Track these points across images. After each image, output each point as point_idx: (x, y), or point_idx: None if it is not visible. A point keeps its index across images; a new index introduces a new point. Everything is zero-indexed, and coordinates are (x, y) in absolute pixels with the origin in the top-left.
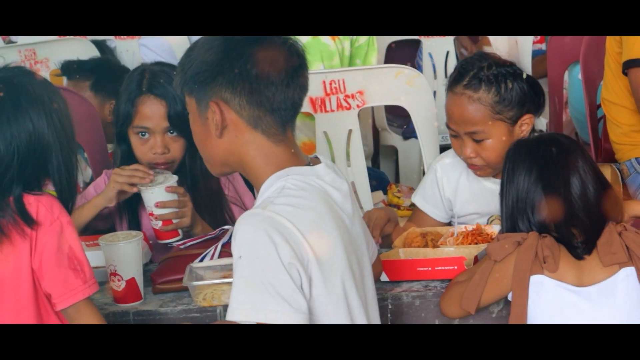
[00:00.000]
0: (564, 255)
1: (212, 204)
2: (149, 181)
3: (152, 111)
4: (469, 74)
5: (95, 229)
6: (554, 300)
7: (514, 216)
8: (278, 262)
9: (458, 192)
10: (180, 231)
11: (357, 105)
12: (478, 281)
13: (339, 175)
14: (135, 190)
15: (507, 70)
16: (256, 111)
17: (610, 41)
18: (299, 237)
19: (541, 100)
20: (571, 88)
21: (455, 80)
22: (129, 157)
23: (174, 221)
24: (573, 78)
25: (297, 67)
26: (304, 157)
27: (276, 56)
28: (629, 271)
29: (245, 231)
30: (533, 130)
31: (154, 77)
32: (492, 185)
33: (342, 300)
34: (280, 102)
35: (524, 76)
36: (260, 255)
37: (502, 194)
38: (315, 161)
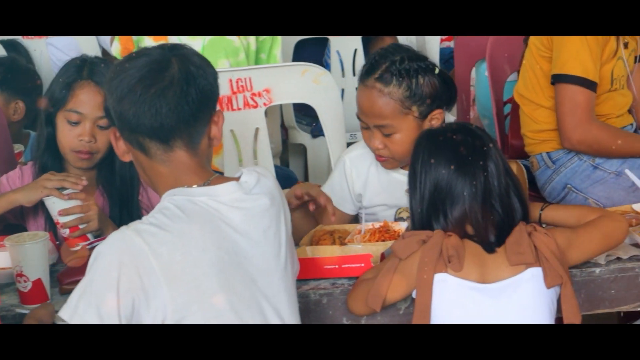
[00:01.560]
0: (469, 253)
1: (129, 204)
2: (81, 188)
3: (88, 97)
4: (381, 66)
5: (5, 222)
6: (457, 297)
7: (430, 209)
8: (114, 283)
9: (367, 183)
10: (90, 235)
11: (264, 104)
12: (383, 279)
13: (252, 193)
14: (64, 197)
15: (419, 65)
16: (133, 135)
17: (535, 41)
18: (150, 261)
19: (452, 95)
20: (478, 85)
21: (367, 72)
22: (52, 142)
23: (81, 226)
24: (480, 75)
25: (163, 85)
26: (203, 176)
27: (134, 82)
28: (535, 272)
29: (104, 243)
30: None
31: (95, 65)
32: (401, 177)
33: (220, 318)
34: (149, 123)
35: (436, 71)
36: (101, 270)
37: (416, 185)
38: (221, 179)
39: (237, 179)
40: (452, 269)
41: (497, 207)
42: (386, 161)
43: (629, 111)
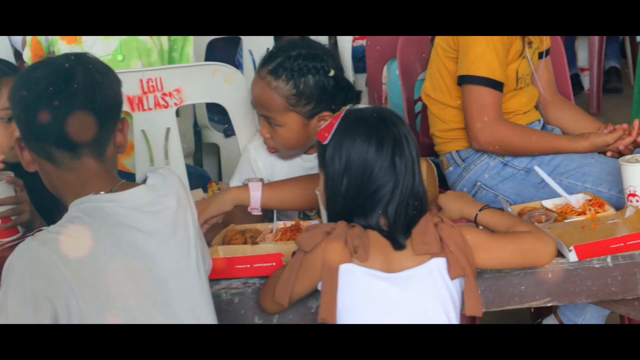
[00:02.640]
0: (373, 243)
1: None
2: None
3: None
4: (276, 60)
5: None
6: (364, 287)
7: (348, 202)
8: (28, 297)
9: (274, 171)
10: (19, 228)
11: (175, 104)
12: (289, 273)
13: (160, 196)
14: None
15: (313, 65)
16: (40, 145)
17: (440, 41)
18: (58, 268)
19: (348, 98)
20: (390, 84)
21: (263, 63)
22: None
23: (13, 218)
24: (391, 74)
25: (69, 93)
26: (110, 182)
27: (39, 91)
28: (440, 262)
29: (12, 256)
30: None
31: None
32: (305, 163)
33: (140, 318)
34: (56, 132)
35: (331, 74)
36: (13, 286)
37: (340, 172)
38: (128, 185)
39: (143, 183)
40: (359, 259)
41: (412, 200)
42: (274, 150)
43: (536, 107)
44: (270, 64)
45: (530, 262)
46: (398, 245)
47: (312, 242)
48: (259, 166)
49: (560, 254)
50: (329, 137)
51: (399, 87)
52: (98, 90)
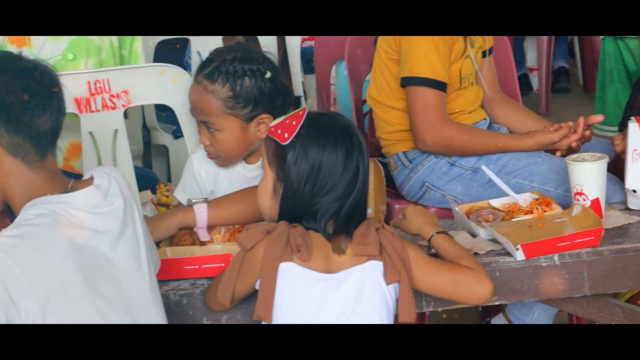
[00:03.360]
0: (315, 244)
1: None
2: None
3: None
4: (212, 64)
5: None
6: (302, 286)
7: (301, 205)
8: None
9: (217, 181)
10: None
11: (123, 105)
12: (230, 272)
13: (109, 196)
14: None
15: (249, 67)
16: (15, 138)
17: (382, 44)
18: (15, 273)
19: (285, 101)
20: (338, 84)
21: (199, 69)
22: None
23: None
24: (340, 74)
25: (52, 91)
26: (63, 182)
27: (29, 82)
28: (376, 265)
29: None
30: None
31: None
32: (247, 173)
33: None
34: (38, 127)
35: (267, 75)
36: None
37: (288, 179)
38: (81, 184)
39: (91, 181)
40: (300, 259)
41: (362, 206)
42: (216, 159)
43: (482, 106)
44: (206, 69)
45: (462, 297)
46: (339, 250)
47: (253, 240)
48: (202, 176)
49: (507, 253)
50: (291, 139)
51: (347, 87)
52: (60, 88)
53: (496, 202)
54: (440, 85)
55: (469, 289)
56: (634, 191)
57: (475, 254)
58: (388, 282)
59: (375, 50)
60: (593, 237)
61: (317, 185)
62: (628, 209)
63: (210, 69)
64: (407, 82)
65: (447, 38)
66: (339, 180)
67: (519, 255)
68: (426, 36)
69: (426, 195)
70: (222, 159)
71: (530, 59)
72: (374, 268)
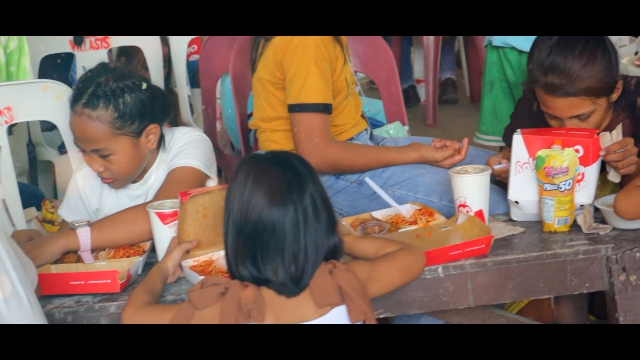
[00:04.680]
0: (269, 302)
1: None
2: None
3: None
4: (87, 91)
5: None
6: None
7: (238, 250)
8: None
9: (102, 199)
10: None
11: (6, 122)
12: (164, 318)
13: None
14: None
15: (125, 84)
16: None
17: (265, 75)
18: None
19: (166, 108)
20: (224, 98)
21: (75, 99)
22: None
23: None
24: (225, 89)
25: None
26: None
27: None
28: (340, 309)
29: None
30: None
31: None
32: (132, 192)
33: None
34: None
35: (144, 87)
36: None
37: (228, 222)
38: None
39: None
40: (254, 321)
41: (310, 249)
42: (112, 182)
43: (362, 116)
44: (82, 98)
45: (411, 277)
46: (291, 294)
47: (206, 302)
48: (87, 194)
49: None
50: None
51: (232, 102)
52: None
53: (378, 214)
54: (325, 108)
55: (414, 266)
56: (517, 202)
57: None
58: (353, 322)
59: (256, 80)
60: (483, 246)
61: (252, 232)
62: (511, 220)
63: (88, 96)
64: (293, 109)
65: (327, 54)
66: (271, 228)
67: None
68: (307, 59)
69: None
70: (119, 181)
71: (418, 70)
72: (339, 314)
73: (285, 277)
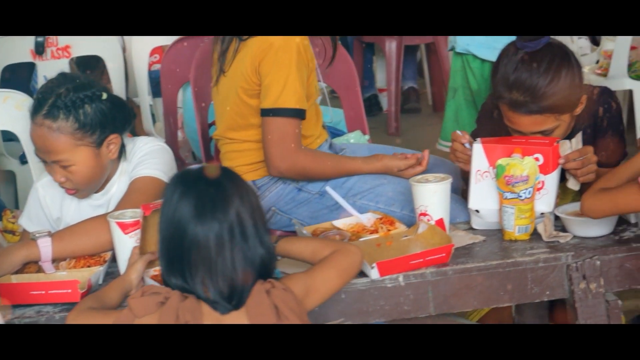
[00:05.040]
0: (207, 317)
1: None
2: None
3: None
4: (47, 102)
5: None
6: None
7: (169, 262)
8: None
9: (64, 209)
10: None
11: None
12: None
13: None
14: None
15: (85, 94)
16: None
17: (241, 83)
18: None
19: (127, 117)
20: (185, 107)
21: (35, 110)
22: None
23: None
24: (187, 98)
25: None
26: None
27: None
28: None
29: None
30: None
31: None
32: (93, 201)
33: None
34: None
35: (104, 97)
36: None
37: (160, 233)
38: None
39: None
40: None
41: (238, 266)
42: (75, 192)
43: (323, 126)
44: (42, 109)
45: (349, 278)
46: (224, 311)
47: (145, 310)
48: (48, 203)
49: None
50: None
51: (194, 111)
52: None
53: (339, 223)
54: (300, 113)
55: (351, 268)
56: (478, 211)
57: None
58: None
59: (225, 87)
60: (444, 254)
61: (175, 244)
62: (472, 228)
63: (48, 107)
64: (268, 114)
65: (305, 57)
66: (194, 240)
67: (374, 273)
68: (288, 64)
69: (273, 219)
70: (82, 191)
71: (380, 79)
72: None
73: (215, 294)
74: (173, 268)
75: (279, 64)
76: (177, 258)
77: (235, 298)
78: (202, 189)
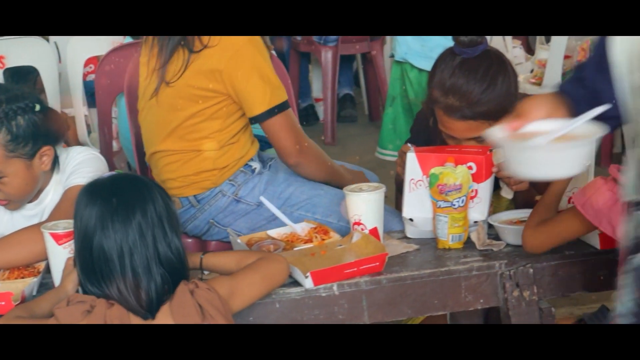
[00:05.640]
0: (136, 320)
1: None
2: None
3: None
4: None
5: None
6: None
7: (84, 270)
8: None
9: None
10: None
11: None
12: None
13: None
14: None
15: (18, 106)
16: None
17: (194, 84)
18: None
19: (59, 129)
20: (120, 118)
21: None
22: None
23: None
24: (121, 109)
25: None
26: None
27: None
28: None
29: None
30: None
31: None
32: (27, 212)
33: None
34: None
35: (37, 109)
36: None
37: (74, 243)
38: None
39: None
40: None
41: (144, 273)
42: (7, 203)
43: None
44: None
45: (274, 284)
46: (145, 317)
47: (70, 318)
48: None
49: (286, 284)
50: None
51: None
52: None
53: (274, 233)
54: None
55: (275, 274)
56: (411, 220)
57: None
58: None
59: (174, 96)
60: (378, 263)
61: (85, 248)
62: (406, 237)
63: None
64: (269, 115)
65: (265, 50)
66: (102, 243)
67: (308, 283)
68: (261, 61)
69: (211, 231)
70: (14, 202)
71: (316, 89)
72: None
73: (131, 301)
74: (89, 278)
75: (253, 66)
76: (90, 268)
77: (152, 304)
78: (105, 199)
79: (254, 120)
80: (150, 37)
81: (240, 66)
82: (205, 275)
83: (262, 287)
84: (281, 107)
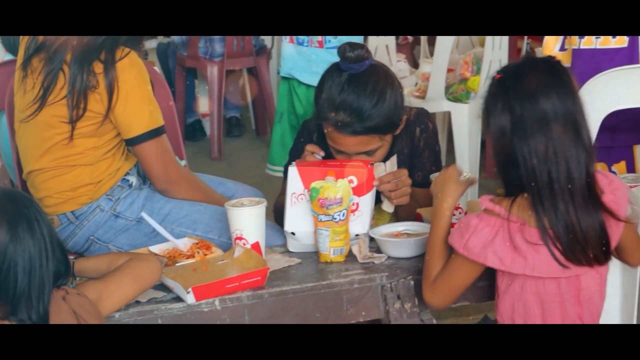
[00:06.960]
0: None
1: None
2: None
3: None
4: None
5: None
6: None
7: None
8: None
9: None
10: None
11: None
12: None
13: None
14: None
15: None
16: None
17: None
18: None
19: None
20: (2, 135)
21: None
22: None
23: None
24: (2, 125)
25: None
26: None
27: None
28: None
29: None
30: None
31: None
32: None
33: None
34: None
35: None
36: None
37: None
38: None
39: None
40: None
41: (47, 281)
42: None
43: None
44: None
45: (146, 284)
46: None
47: None
48: None
49: (169, 300)
50: None
51: (8, 138)
52: None
53: (155, 249)
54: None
55: (146, 274)
56: (293, 234)
57: (137, 301)
58: None
59: (39, 119)
60: (259, 278)
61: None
62: (288, 251)
63: None
64: (137, 141)
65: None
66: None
67: (190, 298)
68: (141, 82)
69: (91, 248)
70: None
71: (203, 104)
72: None
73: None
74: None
75: (133, 88)
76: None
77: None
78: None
79: (128, 142)
80: (33, 58)
81: (120, 88)
82: (76, 281)
83: (132, 287)
84: (156, 132)
